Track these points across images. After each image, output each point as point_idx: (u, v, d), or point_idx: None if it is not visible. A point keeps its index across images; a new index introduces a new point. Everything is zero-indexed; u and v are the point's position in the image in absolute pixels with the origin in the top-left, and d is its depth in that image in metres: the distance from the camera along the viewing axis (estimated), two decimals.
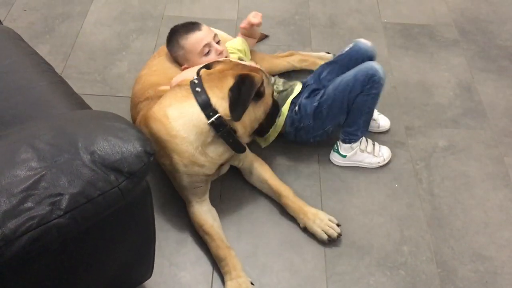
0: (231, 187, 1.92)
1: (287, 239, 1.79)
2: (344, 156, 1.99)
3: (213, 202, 1.84)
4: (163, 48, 2.09)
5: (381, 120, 2.13)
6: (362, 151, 1.98)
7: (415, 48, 2.55)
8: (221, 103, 1.58)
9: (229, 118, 1.58)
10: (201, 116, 1.58)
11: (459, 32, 2.63)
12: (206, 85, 1.60)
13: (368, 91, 1.82)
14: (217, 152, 1.66)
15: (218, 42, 1.97)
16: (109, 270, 1.27)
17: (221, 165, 1.75)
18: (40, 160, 1.03)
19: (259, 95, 1.64)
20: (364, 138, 1.99)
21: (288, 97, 1.98)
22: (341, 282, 1.69)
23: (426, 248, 1.79)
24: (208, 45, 1.93)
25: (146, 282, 1.59)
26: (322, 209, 1.87)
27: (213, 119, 1.57)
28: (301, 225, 1.80)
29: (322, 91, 1.93)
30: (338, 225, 1.78)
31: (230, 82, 1.58)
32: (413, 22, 2.69)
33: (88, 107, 1.43)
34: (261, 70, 1.72)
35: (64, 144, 1.06)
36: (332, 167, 2.02)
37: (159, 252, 1.71)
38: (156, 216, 1.78)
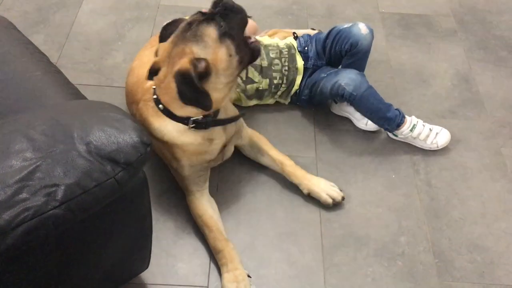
0: (229, 178, 1.91)
1: (285, 230, 1.78)
2: (396, 136, 2.05)
3: (211, 193, 1.84)
4: (155, 39, 2.05)
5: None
6: (414, 138, 2.02)
7: (413, 38, 2.53)
8: (185, 110, 1.56)
9: (202, 114, 1.56)
10: (181, 126, 1.59)
11: (457, 22, 2.62)
12: (163, 101, 1.57)
13: (342, 100, 2.00)
14: (220, 134, 1.67)
15: None
16: (106, 261, 1.26)
17: (224, 146, 1.74)
18: (35, 151, 1.01)
19: (205, 74, 1.50)
20: (419, 124, 2.00)
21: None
22: (338, 273, 1.68)
23: (423, 238, 1.79)
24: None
25: (143, 273, 1.58)
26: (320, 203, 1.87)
27: (190, 125, 1.57)
28: (304, 191, 1.84)
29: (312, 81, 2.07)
30: (340, 189, 1.85)
31: (175, 88, 1.50)
32: (411, 12, 2.67)
33: (84, 97, 1.42)
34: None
35: (59, 135, 1.04)
36: (329, 157, 2.01)
37: (156, 243, 1.69)
38: (153, 207, 1.77)
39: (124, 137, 1.06)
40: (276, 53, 2.07)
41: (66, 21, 2.50)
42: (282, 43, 2.12)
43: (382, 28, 2.57)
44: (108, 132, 1.06)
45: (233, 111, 1.78)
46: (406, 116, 1.99)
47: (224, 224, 1.76)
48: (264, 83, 2.06)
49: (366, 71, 2.17)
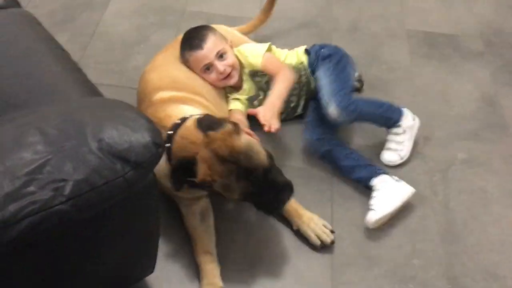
0: None
1: (294, 244, 1.75)
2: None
3: (221, 206, 1.81)
4: (176, 41, 2.05)
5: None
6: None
7: (438, 57, 2.49)
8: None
9: None
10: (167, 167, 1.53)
11: (484, 44, 2.57)
12: (174, 149, 1.50)
13: None
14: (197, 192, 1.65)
15: (222, 56, 1.90)
16: (110, 262, 1.25)
17: None
18: (47, 144, 1.01)
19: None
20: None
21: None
22: None
23: (437, 263, 1.73)
24: (208, 64, 1.89)
25: (148, 277, 1.56)
26: (332, 216, 1.83)
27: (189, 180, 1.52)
28: (294, 227, 1.75)
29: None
30: (332, 231, 1.73)
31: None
32: (438, 31, 2.63)
33: (101, 95, 1.41)
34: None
35: (72, 130, 1.04)
36: None
37: (163, 247, 1.68)
38: (162, 210, 1.77)
39: (137, 137, 1.04)
40: (294, 73, 2.01)
41: (91, 21, 2.53)
42: (294, 61, 2.05)
43: (407, 45, 2.53)
44: (121, 130, 1.04)
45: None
46: None
47: (233, 236, 1.74)
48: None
49: (388, 88, 2.14)
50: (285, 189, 1.55)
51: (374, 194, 1.81)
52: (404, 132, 1.98)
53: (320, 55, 2.05)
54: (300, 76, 2.03)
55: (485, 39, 2.59)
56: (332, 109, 1.86)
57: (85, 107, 1.13)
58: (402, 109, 1.99)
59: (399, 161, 1.99)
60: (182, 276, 1.64)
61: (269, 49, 2.01)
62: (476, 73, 2.41)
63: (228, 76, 1.93)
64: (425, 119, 2.18)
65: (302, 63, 2.06)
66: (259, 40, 2.40)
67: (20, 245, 0.96)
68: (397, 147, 1.98)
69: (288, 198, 1.57)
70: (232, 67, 1.93)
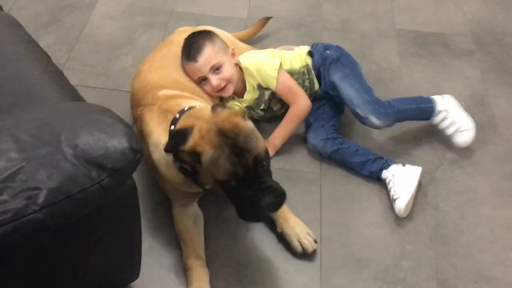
0: None
1: (282, 247, 1.72)
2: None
3: (210, 207, 1.79)
4: (169, 41, 2.03)
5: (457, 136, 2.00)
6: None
7: (428, 56, 2.47)
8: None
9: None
10: (171, 156, 1.53)
11: (474, 43, 2.55)
12: (181, 125, 1.50)
13: None
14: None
15: (218, 69, 1.86)
16: (93, 268, 1.22)
17: None
18: (20, 152, 0.98)
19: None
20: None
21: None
22: None
23: (427, 264, 1.71)
24: (203, 77, 1.86)
25: (134, 283, 1.53)
26: (321, 218, 1.81)
27: (174, 161, 1.52)
28: (278, 229, 1.71)
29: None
30: (315, 241, 1.69)
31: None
32: (428, 30, 2.61)
33: (82, 99, 1.38)
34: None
35: (46, 136, 1.01)
36: (334, 174, 1.95)
37: (149, 253, 1.66)
38: (148, 216, 1.76)
39: (113, 142, 1.02)
40: (297, 79, 1.99)
41: (78, 23, 2.50)
42: (298, 65, 2.01)
43: (397, 45, 2.52)
44: (97, 136, 1.02)
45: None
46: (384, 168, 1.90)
47: (220, 238, 1.72)
48: (283, 111, 2.01)
49: (377, 87, 2.12)
50: (274, 193, 1.44)
51: (390, 184, 1.84)
52: (447, 111, 1.99)
53: (328, 58, 2.01)
54: (304, 81, 2.00)
55: (475, 37, 2.58)
56: (374, 120, 1.90)
57: (60, 112, 1.11)
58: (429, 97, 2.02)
59: (472, 134, 1.97)
60: (167, 281, 1.62)
61: (280, 65, 1.94)
62: (466, 72, 2.40)
63: (223, 89, 1.89)
64: None
65: (306, 65, 2.02)
66: (252, 40, 2.39)
67: None
68: (457, 126, 1.98)
69: (276, 206, 1.46)
70: (228, 80, 1.88)
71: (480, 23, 2.66)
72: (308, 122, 2.01)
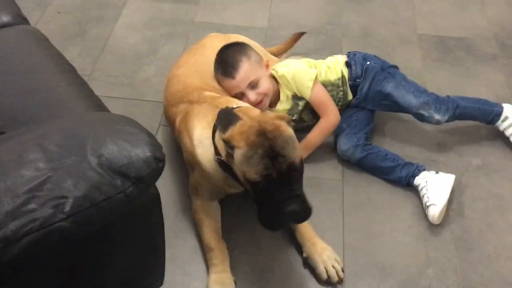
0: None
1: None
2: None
3: (232, 213, 1.80)
4: (202, 45, 2.04)
5: None
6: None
7: (451, 61, 2.45)
8: (222, 145, 1.51)
9: (224, 158, 1.51)
10: (212, 152, 1.56)
11: (498, 47, 2.52)
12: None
13: None
14: (237, 184, 1.59)
15: (255, 86, 1.86)
16: (115, 276, 1.24)
17: None
18: (48, 161, 1.01)
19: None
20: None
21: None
22: None
23: (452, 272, 1.69)
24: (240, 93, 1.86)
25: None
26: (343, 225, 1.80)
27: (216, 157, 1.54)
28: (304, 253, 1.67)
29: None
30: (342, 270, 1.64)
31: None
32: (450, 34, 2.59)
33: (106, 109, 1.42)
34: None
35: (73, 146, 1.04)
36: (356, 180, 1.94)
37: (173, 260, 1.68)
38: (172, 223, 1.78)
39: (137, 152, 1.04)
40: (331, 91, 1.99)
41: (102, 35, 2.55)
42: (334, 77, 1.99)
43: (419, 50, 2.50)
44: (121, 145, 1.04)
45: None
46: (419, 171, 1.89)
47: (245, 245, 1.73)
48: (314, 122, 2.01)
49: None
50: (301, 204, 1.43)
51: (423, 191, 1.83)
52: None
53: (370, 70, 1.99)
54: (337, 92, 2.00)
55: (498, 41, 2.54)
56: (438, 117, 1.96)
57: (86, 122, 1.13)
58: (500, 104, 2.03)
59: None
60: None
61: (316, 77, 1.94)
62: (490, 76, 2.37)
63: (259, 103, 1.88)
64: (438, 125, 2.14)
65: (342, 77, 2.00)
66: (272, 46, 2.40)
67: (22, 262, 0.96)
68: None
69: (301, 218, 1.47)
70: (265, 94, 1.88)
71: (504, 27, 2.63)
72: (341, 128, 1.99)
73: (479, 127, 2.14)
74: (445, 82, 2.34)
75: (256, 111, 1.54)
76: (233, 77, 1.83)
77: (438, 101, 1.97)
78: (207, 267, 1.64)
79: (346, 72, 2.01)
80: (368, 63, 2.01)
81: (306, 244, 1.67)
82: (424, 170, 1.88)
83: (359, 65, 2.01)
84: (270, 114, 1.49)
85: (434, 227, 1.80)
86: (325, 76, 1.99)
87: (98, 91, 1.66)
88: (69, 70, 1.51)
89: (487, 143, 2.08)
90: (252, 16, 2.68)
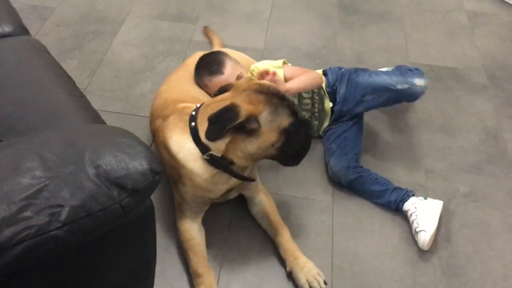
0: (241, 216, 1.88)
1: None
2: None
3: (222, 230, 1.82)
4: (185, 64, 2.12)
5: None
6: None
7: (442, 90, 2.50)
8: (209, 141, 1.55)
9: (221, 153, 1.54)
10: (197, 151, 1.57)
11: (488, 78, 2.58)
12: (199, 119, 1.57)
13: None
14: (224, 180, 1.63)
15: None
16: (106, 286, 1.24)
17: (229, 190, 1.72)
18: (45, 170, 1.02)
19: (250, 131, 1.50)
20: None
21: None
22: None
23: None
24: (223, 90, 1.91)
25: None
26: (332, 247, 1.82)
27: (206, 156, 1.56)
28: (287, 268, 1.70)
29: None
30: (325, 283, 1.67)
31: None
32: (442, 64, 2.65)
33: (104, 123, 1.43)
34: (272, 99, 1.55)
35: (71, 156, 1.05)
36: (347, 203, 1.96)
37: (162, 275, 1.68)
38: (163, 238, 1.78)
39: (134, 164, 1.05)
40: (308, 93, 2.06)
41: (100, 49, 2.58)
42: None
43: None
44: (119, 157, 1.05)
45: (250, 173, 1.73)
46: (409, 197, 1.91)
47: (232, 262, 1.73)
48: (310, 107, 2.07)
49: (389, 120, 2.16)
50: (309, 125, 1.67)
51: (413, 216, 1.85)
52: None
53: (345, 73, 2.10)
54: (313, 93, 2.06)
55: (488, 72, 2.61)
56: (420, 82, 1.98)
57: (85, 133, 1.15)
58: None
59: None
60: None
61: (284, 62, 2.06)
62: (480, 106, 2.42)
63: None
64: (427, 151, 2.19)
65: None
66: None
67: (16, 270, 0.96)
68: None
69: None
70: None
71: (494, 59, 2.70)
72: (331, 149, 2.03)
73: (468, 154, 2.18)
74: (435, 110, 2.39)
75: (227, 94, 1.61)
76: (222, 73, 1.93)
77: (412, 70, 2.04)
78: None
79: (323, 81, 2.09)
80: (342, 70, 2.12)
81: (289, 258, 1.70)
82: (413, 195, 1.91)
83: (334, 73, 2.12)
84: (242, 82, 1.61)
85: (422, 253, 1.82)
86: None
87: (93, 104, 1.66)
88: (69, 82, 1.53)
89: (475, 170, 2.12)
90: (249, 37, 2.73)
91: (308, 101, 2.06)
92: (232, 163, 1.57)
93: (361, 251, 1.82)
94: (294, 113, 1.56)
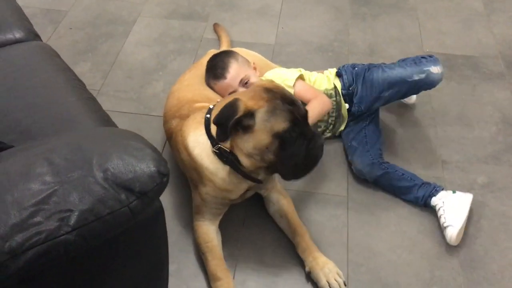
0: (256, 214, 1.88)
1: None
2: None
3: (237, 228, 1.82)
4: (200, 63, 2.11)
5: None
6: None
7: (458, 79, 2.46)
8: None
9: (229, 148, 1.54)
10: (210, 145, 1.58)
11: (505, 65, 2.52)
12: (213, 112, 1.58)
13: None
14: (241, 178, 1.63)
15: (247, 83, 1.92)
16: None
17: (247, 190, 1.72)
18: (54, 175, 1.03)
19: (245, 127, 1.48)
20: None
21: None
22: None
23: None
24: (233, 92, 1.90)
25: None
26: (348, 241, 1.80)
27: (214, 149, 1.56)
28: (306, 268, 1.69)
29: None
30: (345, 284, 1.65)
31: None
32: (457, 53, 2.60)
33: (114, 124, 1.44)
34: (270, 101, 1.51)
35: (79, 160, 1.06)
36: (362, 197, 1.95)
37: (177, 274, 1.69)
38: (177, 238, 1.79)
39: (142, 166, 1.06)
40: None
41: (112, 50, 2.60)
42: (329, 89, 2.05)
43: None
44: (127, 160, 1.06)
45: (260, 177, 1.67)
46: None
47: (247, 260, 1.73)
48: None
49: (406, 111, 2.13)
50: (322, 138, 1.55)
51: (440, 211, 1.82)
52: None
53: (359, 73, 2.05)
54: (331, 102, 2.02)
55: (506, 60, 2.55)
56: (436, 69, 1.95)
57: (92, 137, 1.16)
58: None
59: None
60: None
61: (300, 77, 2.01)
62: (497, 95, 2.37)
63: None
64: (443, 142, 2.15)
65: (334, 88, 2.05)
66: (278, 64, 2.43)
67: (27, 275, 0.98)
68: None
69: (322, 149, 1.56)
70: None
71: (511, 46, 2.63)
72: (352, 147, 2.00)
73: (485, 144, 2.14)
74: (451, 100, 2.35)
75: (242, 92, 1.63)
76: (224, 77, 1.92)
77: (424, 56, 2.01)
78: None
79: (338, 84, 2.06)
80: (356, 68, 2.07)
81: (308, 258, 1.69)
82: (442, 190, 1.87)
83: (349, 73, 2.06)
84: (258, 82, 1.62)
85: (439, 246, 1.80)
86: (314, 82, 2.05)
87: (107, 105, 1.70)
88: (78, 85, 1.54)
89: (493, 160, 2.08)
90: (260, 33, 2.72)
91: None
92: (238, 160, 1.56)
93: (377, 245, 1.80)
94: (293, 120, 1.47)
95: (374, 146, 1.99)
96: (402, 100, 2.20)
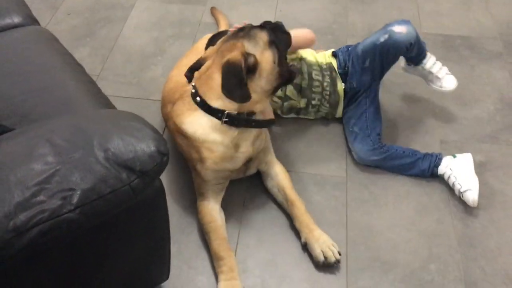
0: (256, 194, 1.90)
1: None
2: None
3: (237, 207, 1.84)
4: (193, 49, 2.12)
5: (445, 81, 2.07)
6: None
7: (456, 60, 2.46)
8: (221, 103, 1.60)
9: (237, 110, 1.60)
10: (214, 120, 1.61)
11: (503, 45, 2.53)
12: (201, 92, 1.62)
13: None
14: (250, 140, 1.68)
15: None
16: (121, 269, 1.28)
17: (248, 161, 1.74)
18: (56, 155, 1.05)
19: (251, 69, 1.57)
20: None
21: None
22: None
23: (455, 267, 1.71)
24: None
25: (163, 284, 1.59)
26: (347, 221, 1.83)
27: (224, 119, 1.59)
28: (302, 239, 1.73)
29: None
30: (339, 253, 1.69)
31: (217, 79, 1.58)
32: (455, 33, 2.61)
33: (113, 107, 1.46)
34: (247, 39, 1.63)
35: (80, 141, 1.08)
36: (360, 178, 1.97)
37: (178, 254, 1.72)
38: (178, 219, 1.82)
39: (142, 146, 1.08)
40: (318, 75, 2.05)
41: (111, 35, 2.60)
42: (324, 64, 2.09)
43: None
44: (127, 140, 1.08)
45: (270, 116, 1.79)
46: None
47: (247, 239, 1.76)
48: (302, 102, 2.06)
49: (403, 93, 2.14)
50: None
51: (452, 178, 1.87)
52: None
53: (352, 50, 2.08)
54: (324, 76, 2.05)
55: (504, 40, 2.55)
56: (405, 27, 1.97)
57: (93, 118, 1.18)
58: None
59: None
60: (196, 283, 1.67)
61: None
62: (495, 75, 2.38)
63: None
64: (441, 122, 2.17)
65: (329, 63, 2.09)
66: None
67: (31, 252, 1.00)
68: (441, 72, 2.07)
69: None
70: None
71: (509, 26, 2.64)
72: (354, 133, 2.02)
73: (483, 124, 2.16)
74: None
75: (208, 61, 1.69)
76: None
77: (403, 20, 2.00)
78: (216, 274, 1.66)
79: (334, 63, 2.10)
80: (349, 48, 2.11)
81: (304, 230, 1.73)
82: (443, 157, 1.92)
83: (344, 52, 2.11)
84: (209, 49, 1.72)
85: (436, 223, 1.82)
86: (314, 58, 2.09)
87: (106, 90, 1.70)
88: (78, 69, 1.56)
89: (491, 139, 2.10)
90: (258, 16, 2.71)
91: (318, 83, 2.04)
92: (250, 114, 1.62)
93: (375, 224, 1.83)
94: (262, 26, 1.68)
95: (374, 130, 2.00)
96: (439, 88, 2.11)
